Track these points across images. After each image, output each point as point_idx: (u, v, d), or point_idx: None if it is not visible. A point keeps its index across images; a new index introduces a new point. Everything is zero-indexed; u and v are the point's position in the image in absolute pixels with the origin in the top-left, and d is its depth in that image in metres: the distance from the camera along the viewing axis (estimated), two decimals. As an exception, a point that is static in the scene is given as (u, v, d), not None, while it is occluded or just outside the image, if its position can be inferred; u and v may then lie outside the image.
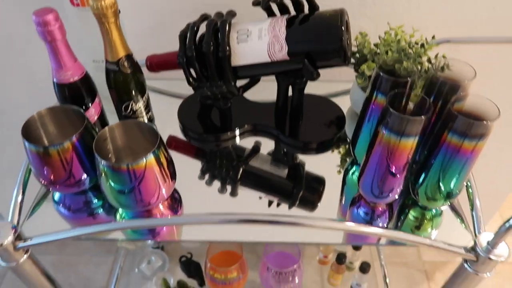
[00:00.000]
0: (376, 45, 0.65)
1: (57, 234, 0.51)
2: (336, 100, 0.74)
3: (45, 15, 0.50)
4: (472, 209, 0.56)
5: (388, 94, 0.47)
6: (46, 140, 0.56)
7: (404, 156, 0.48)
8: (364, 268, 0.91)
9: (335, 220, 0.55)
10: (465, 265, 0.52)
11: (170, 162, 0.53)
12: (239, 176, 0.64)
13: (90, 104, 0.59)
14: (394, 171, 0.49)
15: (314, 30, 0.54)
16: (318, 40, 0.54)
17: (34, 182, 0.56)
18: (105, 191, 0.52)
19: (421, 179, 0.53)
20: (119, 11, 0.54)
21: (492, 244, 0.49)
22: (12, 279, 1.22)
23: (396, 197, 0.53)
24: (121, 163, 0.48)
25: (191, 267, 0.95)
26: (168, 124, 0.69)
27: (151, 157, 0.49)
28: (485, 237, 0.50)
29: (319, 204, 0.60)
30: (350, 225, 0.52)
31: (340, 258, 0.93)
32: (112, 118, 0.65)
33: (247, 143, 0.69)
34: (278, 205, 0.60)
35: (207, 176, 0.64)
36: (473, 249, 0.50)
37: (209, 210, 0.58)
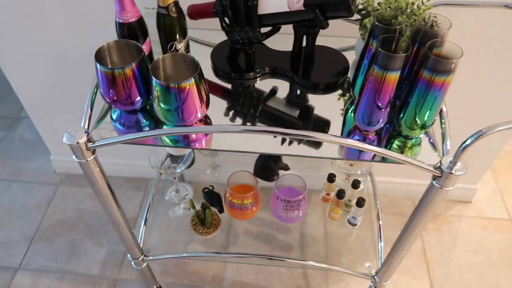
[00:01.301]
0: (379, 4, 0.77)
1: (119, 137, 0.67)
2: (344, 53, 0.87)
3: (115, -35, 0.64)
4: (442, 139, 0.69)
5: (379, 37, 0.60)
6: (110, 65, 0.71)
7: (389, 88, 0.61)
8: (360, 202, 1.06)
9: (333, 135, 0.69)
10: (434, 182, 0.66)
11: (206, 91, 0.68)
12: (257, 114, 0.79)
13: (143, 42, 0.74)
14: (381, 102, 0.63)
15: None
16: None
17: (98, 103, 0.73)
18: (156, 107, 0.67)
19: (402, 113, 0.66)
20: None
21: (454, 162, 0.62)
22: (56, 206, 1.42)
23: (382, 125, 0.67)
24: (169, 82, 0.63)
25: (212, 196, 1.12)
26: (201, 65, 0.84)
27: (192, 81, 0.63)
28: (448, 157, 0.63)
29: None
30: (350, 141, 0.66)
31: (340, 193, 1.08)
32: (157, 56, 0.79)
33: (267, 84, 0.83)
34: (290, 143, 0.73)
35: (231, 113, 0.77)
36: (439, 167, 0.64)
37: (233, 141, 0.72)
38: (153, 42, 0.77)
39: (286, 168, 1.19)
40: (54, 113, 1.27)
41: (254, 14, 0.69)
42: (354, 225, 1.15)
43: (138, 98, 0.69)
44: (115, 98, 0.69)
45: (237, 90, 0.82)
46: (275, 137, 0.72)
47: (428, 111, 0.64)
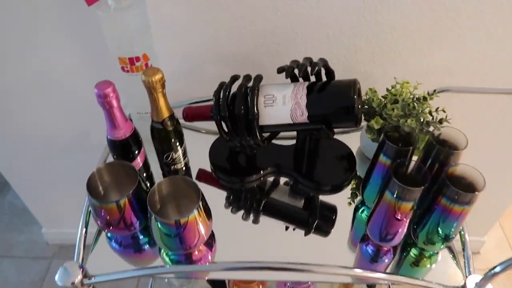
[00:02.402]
0: (384, 97, 0.74)
1: (118, 273, 0.62)
2: (347, 136, 0.83)
3: (105, 88, 0.59)
4: (463, 250, 0.65)
5: (393, 162, 0.56)
6: (102, 190, 0.66)
7: (405, 213, 0.57)
8: (370, 286, 1.02)
9: (342, 267, 0.64)
10: (456, 303, 0.62)
11: (207, 208, 0.63)
12: (261, 207, 0.74)
13: (137, 153, 0.69)
14: (396, 224, 0.59)
15: (331, 99, 0.63)
16: (334, 108, 0.63)
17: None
18: (155, 237, 0.62)
19: (419, 228, 0.62)
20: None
21: (479, 286, 0.58)
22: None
23: (398, 242, 0.63)
24: (169, 219, 0.58)
25: (217, 281, 1.07)
26: (200, 160, 0.79)
27: (193, 213, 0.58)
28: (473, 279, 0.59)
29: (332, 230, 0.70)
30: (358, 272, 0.62)
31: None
32: (152, 159, 0.75)
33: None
34: (294, 229, 0.70)
35: (232, 207, 0.74)
36: (463, 289, 0.60)
37: (238, 240, 0.69)
38: (147, 143, 0.73)
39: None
40: (43, 189, 1.21)
41: (256, 126, 0.65)
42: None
43: (136, 222, 0.65)
44: (111, 227, 0.64)
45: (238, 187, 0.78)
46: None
47: (448, 230, 0.60)
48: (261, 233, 0.71)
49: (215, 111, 0.68)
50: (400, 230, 0.59)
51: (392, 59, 0.83)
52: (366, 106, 0.74)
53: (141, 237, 0.70)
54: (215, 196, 0.75)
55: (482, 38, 0.78)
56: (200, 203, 0.59)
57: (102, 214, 0.62)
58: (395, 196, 0.55)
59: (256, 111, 0.64)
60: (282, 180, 0.79)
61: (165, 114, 0.66)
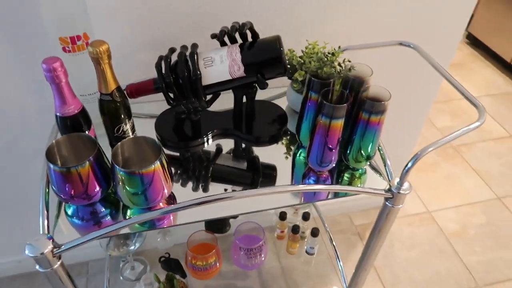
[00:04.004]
0: (301, 57, 0.87)
1: (83, 237, 0.63)
2: (275, 101, 0.95)
3: (53, 62, 0.62)
4: (384, 165, 0.80)
5: (320, 92, 0.68)
6: (60, 163, 0.67)
7: (337, 133, 0.69)
8: (314, 232, 1.14)
9: (291, 185, 0.74)
10: (386, 203, 0.76)
11: (169, 167, 0.68)
12: (209, 175, 0.81)
13: (87, 131, 0.72)
14: (331, 145, 0.71)
15: (261, 52, 0.74)
16: (265, 59, 0.74)
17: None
18: (121, 194, 0.66)
19: (348, 149, 0.75)
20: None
21: (400, 183, 0.73)
22: None
23: (334, 164, 0.75)
24: (135, 169, 0.62)
25: (171, 263, 1.09)
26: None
27: (157, 164, 0.64)
28: (395, 181, 0.73)
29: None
30: (301, 187, 0.73)
31: (295, 228, 1.14)
32: (102, 140, 0.77)
33: (211, 145, 0.86)
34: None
35: (183, 179, 0.78)
36: (389, 190, 0.74)
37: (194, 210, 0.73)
38: (95, 125, 0.75)
39: (235, 216, 1.22)
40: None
41: (200, 86, 0.73)
42: (312, 254, 1.21)
43: (98, 189, 0.67)
44: (73, 195, 0.65)
45: (185, 157, 0.83)
46: (225, 190, 0.76)
47: (370, 145, 0.73)
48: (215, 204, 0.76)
49: (160, 80, 0.74)
50: (335, 148, 0.71)
51: (301, 29, 0.98)
52: (288, 65, 0.86)
53: (102, 209, 0.72)
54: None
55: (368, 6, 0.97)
56: (162, 157, 0.65)
57: (64, 184, 0.63)
58: (327, 116, 0.67)
59: (198, 71, 0.72)
60: (225, 150, 0.86)
61: (113, 85, 0.70)
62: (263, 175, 0.82)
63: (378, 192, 0.73)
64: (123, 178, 0.63)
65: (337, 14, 0.99)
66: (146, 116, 0.91)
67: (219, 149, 0.86)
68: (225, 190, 0.78)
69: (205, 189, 0.79)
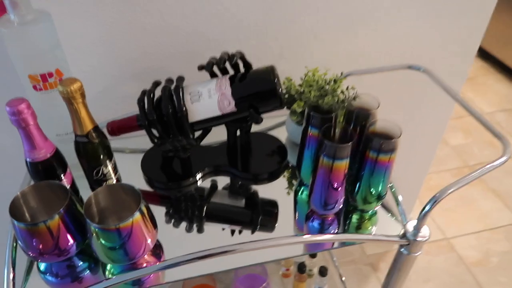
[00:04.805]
0: (300, 85, 0.79)
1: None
2: (273, 132, 0.87)
3: (18, 105, 0.55)
4: (397, 205, 0.71)
5: (321, 128, 0.60)
6: (29, 216, 0.60)
7: (341, 174, 0.61)
8: (322, 271, 1.04)
9: (292, 236, 0.66)
10: (401, 250, 0.66)
11: (151, 214, 0.61)
12: (203, 214, 0.73)
13: (62, 176, 0.65)
14: (335, 187, 0.62)
15: (253, 85, 0.66)
16: (258, 92, 0.66)
17: (19, 256, 0.60)
18: (96, 250, 0.58)
19: (356, 189, 0.67)
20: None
21: (417, 228, 0.64)
22: None
23: (341, 206, 0.66)
24: (110, 224, 0.55)
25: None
26: (133, 178, 0.76)
27: (137, 215, 0.56)
28: (411, 225, 0.65)
29: (276, 225, 0.71)
30: (306, 237, 0.64)
31: (301, 268, 1.04)
32: (81, 183, 0.70)
33: (207, 183, 0.78)
34: (240, 232, 0.69)
35: (175, 219, 0.71)
36: (404, 236, 0.65)
37: (186, 247, 0.65)
38: (71, 166, 0.68)
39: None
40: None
41: (186, 124, 0.66)
42: (321, 294, 1.12)
43: (72, 244, 0.59)
44: (42, 251, 0.57)
45: (176, 196, 0.76)
46: (223, 229, 0.69)
47: (381, 185, 0.65)
48: (208, 241, 0.68)
49: (142, 117, 0.67)
50: (340, 190, 0.63)
51: (300, 53, 0.91)
52: (286, 95, 0.78)
53: (79, 263, 0.64)
54: (156, 211, 0.72)
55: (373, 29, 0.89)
56: (142, 206, 0.57)
57: (32, 240, 0.56)
58: (329, 156, 0.58)
59: (184, 107, 0.65)
60: (220, 185, 0.78)
61: (89, 125, 0.63)
62: (263, 213, 0.74)
63: (392, 240, 0.64)
64: (97, 233, 0.55)
65: (340, 37, 0.91)
66: (132, 151, 0.83)
67: (213, 186, 0.78)
68: (223, 229, 0.70)
69: (200, 230, 0.71)
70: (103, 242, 0.56)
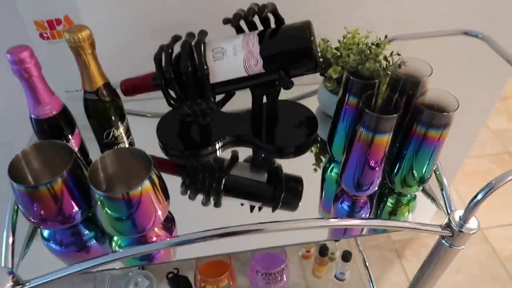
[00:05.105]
0: (337, 48, 0.70)
1: (54, 273, 0.50)
2: (304, 102, 0.78)
3: (20, 52, 0.49)
4: (442, 190, 0.62)
5: (362, 96, 0.52)
6: (32, 178, 0.55)
7: (381, 150, 0.52)
8: (346, 256, 0.97)
9: (318, 219, 0.58)
10: (443, 241, 0.58)
11: (163, 184, 0.54)
12: (221, 187, 0.67)
13: (70, 136, 0.59)
14: (373, 165, 0.54)
15: (285, 42, 0.57)
16: (290, 51, 0.57)
17: (22, 221, 0.56)
18: (102, 220, 0.52)
19: (396, 169, 0.58)
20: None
21: (464, 219, 0.55)
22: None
23: (376, 188, 0.58)
24: (117, 192, 0.49)
25: (180, 282, 0.96)
26: (147, 144, 0.70)
27: (146, 184, 0.49)
28: (457, 214, 0.56)
29: (300, 203, 0.64)
30: (334, 221, 0.57)
31: (323, 250, 0.97)
32: (92, 146, 0.64)
33: (228, 154, 0.71)
34: (260, 209, 0.63)
35: (190, 191, 0.65)
36: (448, 226, 0.56)
37: (200, 223, 0.60)
38: (84, 128, 0.62)
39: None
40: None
41: (207, 85, 0.58)
42: (343, 280, 1.05)
43: (76, 210, 0.54)
44: (44, 218, 0.52)
45: (193, 166, 0.69)
46: (242, 205, 0.62)
47: (426, 165, 0.56)
48: (225, 217, 0.62)
49: (158, 75, 0.59)
50: (377, 170, 0.55)
51: (339, 14, 0.80)
52: (320, 59, 0.69)
53: (85, 231, 0.59)
54: (170, 181, 0.66)
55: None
56: (153, 173, 0.51)
57: (33, 204, 0.51)
58: (369, 129, 0.50)
59: (205, 66, 0.57)
60: (242, 157, 0.72)
61: (99, 81, 0.56)
62: (286, 190, 0.67)
63: (433, 229, 0.56)
64: (103, 202, 0.50)
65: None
66: (149, 115, 0.77)
67: (234, 157, 0.72)
68: (242, 204, 0.63)
69: (217, 204, 0.64)
70: (108, 211, 0.50)
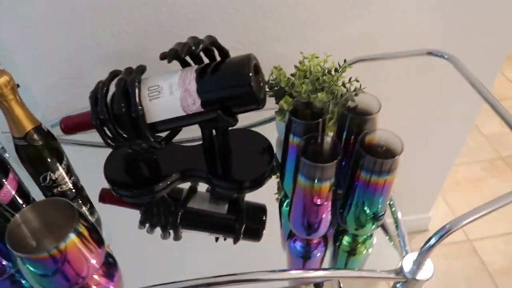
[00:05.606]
0: (292, 75, 0.66)
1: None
2: (262, 128, 0.75)
3: None
4: (396, 227, 0.58)
5: (302, 138, 0.48)
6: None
7: (324, 196, 0.49)
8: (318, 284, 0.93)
9: (276, 271, 0.55)
10: (397, 286, 0.54)
11: (94, 231, 0.51)
12: (178, 221, 0.64)
13: (4, 181, 0.56)
14: (318, 210, 0.51)
15: (222, 79, 0.54)
16: (227, 89, 0.54)
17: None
18: (27, 278, 0.49)
19: (347, 210, 0.54)
20: (18, 86, 0.51)
21: (417, 264, 0.51)
22: None
23: (325, 231, 0.54)
24: (38, 253, 0.45)
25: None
26: (100, 175, 0.67)
27: (71, 237, 0.46)
28: (409, 259, 0.52)
29: (263, 233, 0.62)
30: (293, 273, 0.53)
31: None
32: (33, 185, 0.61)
33: (186, 185, 0.68)
34: (225, 239, 0.61)
35: (147, 225, 0.63)
36: (401, 272, 0.52)
37: (154, 260, 0.58)
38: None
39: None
40: None
41: (143, 125, 0.55)
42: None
43: (5, 263, 0.51)
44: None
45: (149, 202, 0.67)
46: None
47: (376, 207, 0.52)
48: (187, 249, 0.61)
49: (93, 114, 0.56)
50: (324, 217, 0.51)
51: (298, 35, 0.77)
52: (275, 88, 0.66)
53: (23, 281, 0.56)
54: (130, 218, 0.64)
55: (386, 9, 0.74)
56: (79, 225, 0.47)
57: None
58: (308, 178, 0.46)
59: (139, 106, 0.54)
60: (201, 187, 0.69)
61: (28, 126, 0.53)
62: (248, 221, 0.64)
63: (385, 276, 0.52)
64: (23, 263, 0.47)
65: (347, 15, 0.76)
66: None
67: (193, 188, 0.69)
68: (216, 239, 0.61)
69: (176, 238, 0.62)
70: (32, 269, 0.47)
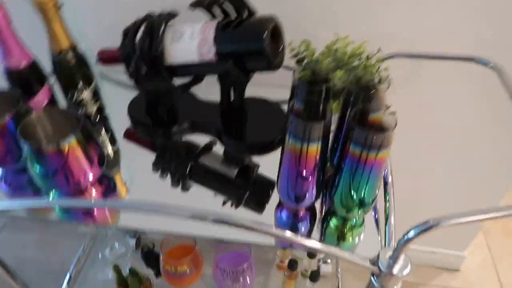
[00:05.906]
0: (323, 53, 0.65)
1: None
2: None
3: (-12, 3, 0.53)
4: (386, 218, 0.55)
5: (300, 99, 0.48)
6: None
7: (311, 160, 0.48)
8: (315, 276, 0.91)
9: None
10: (372, 279, 0.52)
11: (96, 148, 0.55)
12: (186, 172, 0.66)
13: (39, 89, 0.62)
14: (304, 176, 0.50)
15: (238, 34, 0.55)
16: (241, 43, 0.55)
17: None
18: (31, 173, 0.55)
19: (334, 188, 0.53)
20: (61, 6, 0.57)
21: (394, 258, 0.48)
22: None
23: (311, 201, 0.54)
24: (42, 146, 0.50)
25: (151, 257, 0.98)
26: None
27: (72, 140, 0.51)
28: (387, 251, 0.49)
29: (266, 206, 0.61)
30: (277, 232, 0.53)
31: (292, 264, 0.92)
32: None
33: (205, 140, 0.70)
34: (223, 203, 0.62)
35: (161, 169, 0.66)
36: (376, 263, 0.50)
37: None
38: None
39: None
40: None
41: (160, 64, 0.58)
42: (311, 299, 0.99)
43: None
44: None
45: (167, 144, 0.70)
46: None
47: (364, 189, 0.50)
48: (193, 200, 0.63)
49: (120, 47, 0.61)
50: (310, 184, 0.50)
51: (343, 21, 0.75)
52: (304, 60, 0.65)
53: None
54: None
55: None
56: (79, 133, 0.51)
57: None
58: (295, 138, 0.46)
59: (159, 45, 0.57)
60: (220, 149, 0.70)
61: (64, 43, 0.59)
62: (253, 191, 0.64)
63: (360, 262, 0.50)
64: (28, 155, 0.52)
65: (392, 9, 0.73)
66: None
67: (209, 145, 0.70)
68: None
69: (184, 187, 0.65)
70: (34, 163, 0.53)
